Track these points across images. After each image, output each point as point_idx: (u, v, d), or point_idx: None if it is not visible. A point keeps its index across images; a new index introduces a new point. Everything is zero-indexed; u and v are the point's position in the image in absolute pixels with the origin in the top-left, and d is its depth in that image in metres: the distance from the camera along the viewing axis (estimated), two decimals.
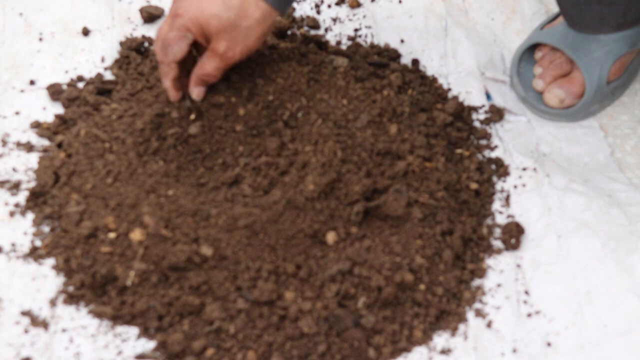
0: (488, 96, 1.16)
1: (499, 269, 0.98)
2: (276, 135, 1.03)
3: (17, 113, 1.12)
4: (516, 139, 1.11)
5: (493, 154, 1.09)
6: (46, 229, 0.99)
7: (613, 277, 0.96)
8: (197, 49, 1.03)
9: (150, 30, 1.22)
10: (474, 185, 1.04)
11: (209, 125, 1.03)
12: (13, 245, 0.98)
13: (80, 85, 1.15)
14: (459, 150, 1.07)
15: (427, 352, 0.90)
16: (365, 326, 0.90)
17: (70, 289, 0.94)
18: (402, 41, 1.22)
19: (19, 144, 1.08)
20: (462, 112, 1.12)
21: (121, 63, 1.17)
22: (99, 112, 1.09)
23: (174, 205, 0.97)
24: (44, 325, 0.91)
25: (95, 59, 1.19)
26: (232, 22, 0.97)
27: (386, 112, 1.06)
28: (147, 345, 0.90)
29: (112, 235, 0.95)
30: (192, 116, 1.03)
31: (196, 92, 1.02)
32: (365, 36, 1.23)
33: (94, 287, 0.93)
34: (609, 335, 0.91)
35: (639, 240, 0.99)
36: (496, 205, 1.04)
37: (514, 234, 1.00)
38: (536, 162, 1.08)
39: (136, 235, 0.94)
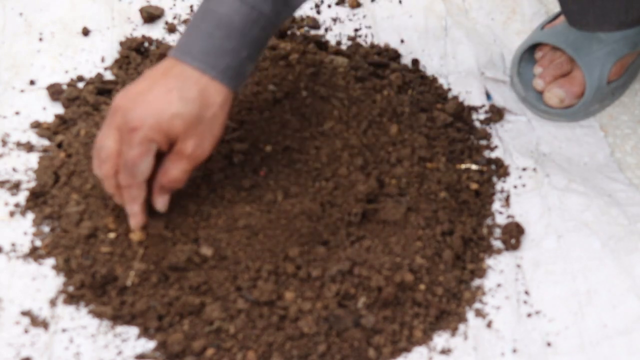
0: (488, 96, 1.16)
1: (499, 269, 0.98)
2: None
3: (17, 113, 1.12)
4: (516, 139, 1.11)
5: (493, 154, 1.09)
6: (46, 229, 0.99)
7: (613, 277, 0.96)
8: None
9: (151, 30, 1.22)
10: (474, 186, 1.04)
11: None
12: (13, 245, 0.98)
13: (80, 85, 1.15)
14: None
15: (427, 352, 0.90)
16: (365, 326, 0.90)
17: (70, 289, 0.94)
18: (402, 41, 1.22)
19: (19, 144, 1.08)
20: (462, 112, 1.12)
21: (121, 63, 1.17)
22: (99, 112, 1.09)
23: (174, 204, 0.97)
24: (44, 325, 0.91)
25: (95, 59, 1.19)
26: (197, 116, 0.87)
27: (386, 112, 1.06)
28: (147, 345, 0.90)
29: (112, 235, 0.95)
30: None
31: (161, 202, 0.92)
32: (365, 36, 1.23)
33: (94, 287, 0.93)
34: (609, 335, 0.91)
35: (639, 240, 0.99)
36: (496, 205, 1.04)
37: (514, 234, 1.00)
38: (536, 162, 1.08)
39: (136, 235, 0.94)
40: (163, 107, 0.86)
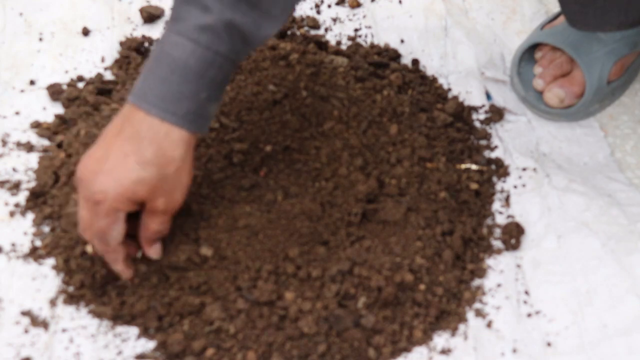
0: (488, 96, 1.16)
1: (499, 269, 0.98)
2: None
3: (17, 113, 1.12)
4: (516, 139, 1.11)
5: (493, 154, 1.09)
6: (46, 229, 0.99)
7: (613, 277, 0.96)
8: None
9: (151, 30, 1.22)
10: (474, 186, 1.04)
11: None
12: (13, 245, 0.98)
13: (80, 85, 1.15)
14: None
15: (427, 352, 0.90)
16: (365, 326, 0.90)
17: (70, 289, 0.94)
18: (402, 41, 1.22)
19: (19, 144, 1.08)
20: (462, 112, 1.12)
21: (121, 63, 1.17)
22: (99, 112, 1.09)
23: None
24: (44, 325, 0.91)
25: (95, 59, 1.19)
26: (159, 177, 0.85)
27: (386, 112, 1.06)
28: (147, 345, 0.90)
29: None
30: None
31: (153, 252, 0.92)
32: (365, 36, 1.23)
33: (94, 287, 0.93)
34: (609, 335, 0.91)
35: (639, 240, 0.99)
36: (496, 205, 1.04)
37: (514, 234, 1.00)
38: (536, 162, 1.08)
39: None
40: (122, 175, 0.84)
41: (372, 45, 1.20)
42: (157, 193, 0.86)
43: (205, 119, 0.88)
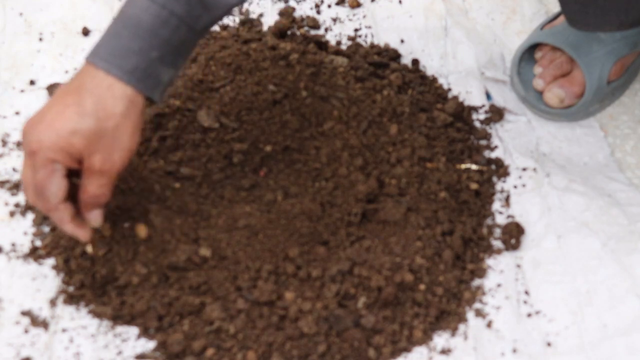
0: (488, 96, 1.16)
1: (499, 269, 0.98)
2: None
3: (17, 113, 1.12)
4: (516, 139, 1.11)
5: (493, 154, 1.09)
6: (46, 229, 0.99)
7: (613, 277, 0.96)
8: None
9: None
10: (474, 186, 1.04)
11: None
12: (13, 245, 0.98)
13: None
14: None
15: (427, 352, 0.90)
16: (365, 326, 0.90)
17: (70, 289, 0.94)
18: (402, 41, 1.22)
19: (19, 144, 1.08)
20: (462, 112, 1.12)
21: None
22: None
23: (174, 204, 0.97)
24: (44, 325, 0.91)
25: None
26: (96, 130, 0.82)
27: (386, 112, 1.06)
28: (147, 345, 0.90)
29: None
30: None
31: (93, 218, 0.88)
32: (365, 36, 1.23)
33: (94, 287, 0.93)
34: (609, 335, 0.91)
35: (639, 240, 0.99)
36: (496, 205, 1.04)
37: (514, 234, 1.00)
38: (536, 162, 1.08)
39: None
40: (59, 125, 0.82)
41: (372, 45, 1.20)
42: (93, 148, 0.83)
43: (156, 81, 0.86)
